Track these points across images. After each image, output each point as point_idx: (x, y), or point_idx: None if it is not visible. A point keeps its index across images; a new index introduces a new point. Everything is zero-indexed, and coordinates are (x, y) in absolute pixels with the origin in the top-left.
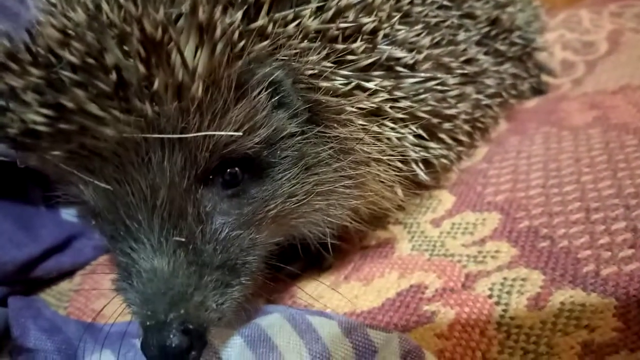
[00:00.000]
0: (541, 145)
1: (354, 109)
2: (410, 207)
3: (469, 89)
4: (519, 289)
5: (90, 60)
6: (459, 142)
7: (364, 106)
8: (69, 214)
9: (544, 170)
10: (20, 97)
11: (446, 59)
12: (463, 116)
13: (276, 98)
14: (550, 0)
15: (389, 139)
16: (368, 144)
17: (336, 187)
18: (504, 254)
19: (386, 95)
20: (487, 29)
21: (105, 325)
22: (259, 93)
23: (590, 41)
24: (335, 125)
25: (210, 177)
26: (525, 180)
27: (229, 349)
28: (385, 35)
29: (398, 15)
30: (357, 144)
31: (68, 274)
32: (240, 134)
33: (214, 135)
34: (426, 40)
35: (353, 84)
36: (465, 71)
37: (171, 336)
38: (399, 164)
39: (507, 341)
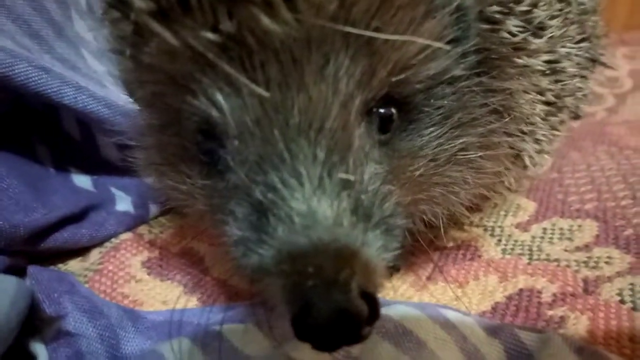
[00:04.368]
0: (610, 161)
1: (522, 62)
2: (486, 210)
3: (573, 85)
4: None
5: None
6: (553, 139)
7: (529, 63)
8: (83, 182)
9: (625, 182)
10: None
11: (569, 45)
12: (565, 114)
13: (457, 26)
14: None
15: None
16: (528, 105)
17: (475, 157)
18: (618, 260)
19: (545, 57)
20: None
21: (149, 314)
22: (444, 16)
23: (614, 77)
24: (505, 76)
25: (374, 109)
26: (609, 192)
27: None
28: None
29: None
30: (520, 102)
31: (80, 251)
32: (445, 46)
33: (402, 46)
34: (558, 21)
35: (521, 36)
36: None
37: (349, 299)
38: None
39: None
